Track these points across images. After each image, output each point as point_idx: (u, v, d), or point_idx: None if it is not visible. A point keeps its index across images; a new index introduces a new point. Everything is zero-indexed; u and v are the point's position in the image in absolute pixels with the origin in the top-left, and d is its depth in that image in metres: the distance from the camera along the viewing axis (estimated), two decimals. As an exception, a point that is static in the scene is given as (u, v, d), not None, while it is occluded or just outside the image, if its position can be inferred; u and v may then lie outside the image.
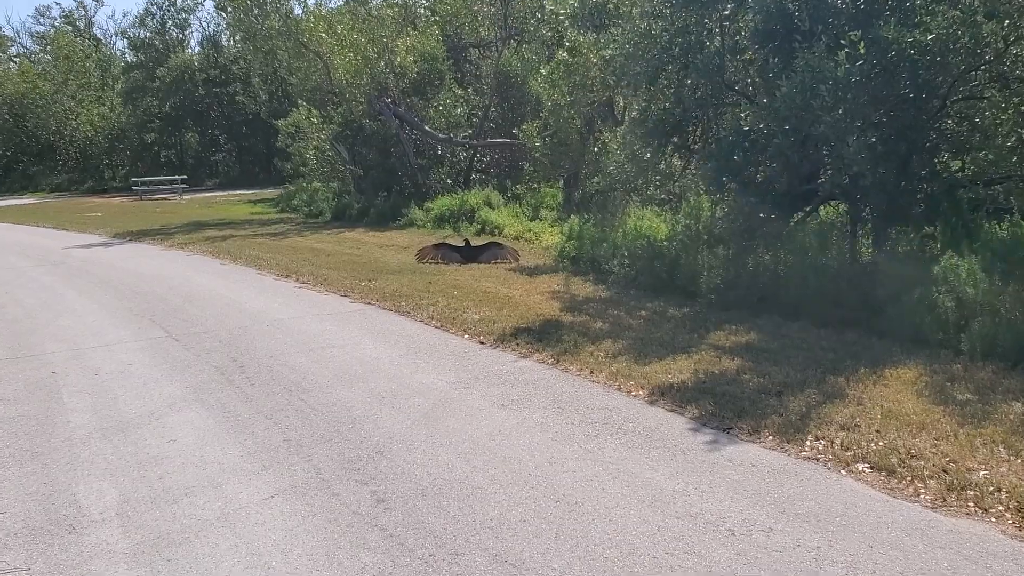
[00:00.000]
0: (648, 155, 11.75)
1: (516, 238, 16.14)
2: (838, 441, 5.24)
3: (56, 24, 55.40)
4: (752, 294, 9.33)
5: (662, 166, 12.15)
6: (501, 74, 22.69)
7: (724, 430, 5.59)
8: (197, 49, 47.50)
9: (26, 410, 6.64)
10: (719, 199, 10.35)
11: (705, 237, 10.35)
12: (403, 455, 5.37)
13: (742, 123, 9.42)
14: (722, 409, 5.89)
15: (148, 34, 46.15)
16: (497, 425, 5.85)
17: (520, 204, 19.93)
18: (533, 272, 12.50)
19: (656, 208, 13.23)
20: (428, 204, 20.20)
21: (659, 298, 10.04)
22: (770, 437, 5.41)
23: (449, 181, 22.67)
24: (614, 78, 12.14)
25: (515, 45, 23.98)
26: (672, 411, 6.01)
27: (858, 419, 5.59)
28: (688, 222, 10.97)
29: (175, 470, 5.30)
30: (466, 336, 8.61)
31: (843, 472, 4.87)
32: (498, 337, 8.39)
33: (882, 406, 5.82)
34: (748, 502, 4.51)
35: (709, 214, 11.23)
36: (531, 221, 17.72)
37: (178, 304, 10.86)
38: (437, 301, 10.23)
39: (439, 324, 9.18)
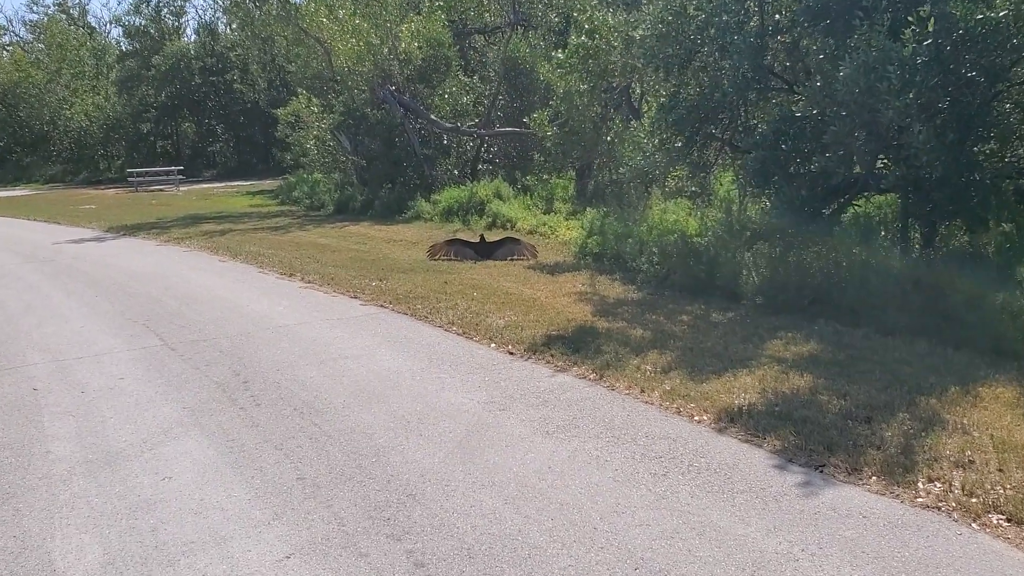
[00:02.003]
0: (679, 144, 10.91)
1: (530, 232, 15.28)
2: (957, 484, 4.42)
3: (50, 12, 54.25)
4: (802, 296, 8.52)
5: (694, 156, 11.31)
6: (509, 61, 21.80)
7: (816, 468, 4.76)
8: (193, 37, 46.57)
9: (0, 438, 5.81)
10: (762, 192, 9.49)
11: (748, 234, 9.51)
12: (439, 499, 4.54)
13: (794, 109, 8.59)
14: (807, 440, 5.07)
15: (143, 22, 45.08)
16: (545, 459, 5.02)
17: (531, 196, 19.07)
18: (554, 270, 11.66)
19: (686, 201, 12.37)
20: (435, 196, 19.32)
21: (697, 300, 9.21)
22: (873, 478, 4.59)
23: (456, 172, 21.81)
24: (642, 61, 11.27)
25: (522, 31, 23.09)
26: (747, 442, 5.18)
27: (970, 453, 4.77)
28: (726, 216, 10.15)
29: (171, 519, 4.47)
30: (492, 345, 7.78)
31: (974, 526, 4.05)
32: (529, 346, 7.56)
33: (992, 435, 5.01)
34: (873, 570, 3.68)
35: (750, 208, 10.41)
36: (545, 214, 16.83)
37: (174, 307, 10.01)
38: (456, 304, 9.40)
39: (461, 330, 8.35)
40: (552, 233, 15.02)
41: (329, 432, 5.63)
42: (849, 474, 4.64)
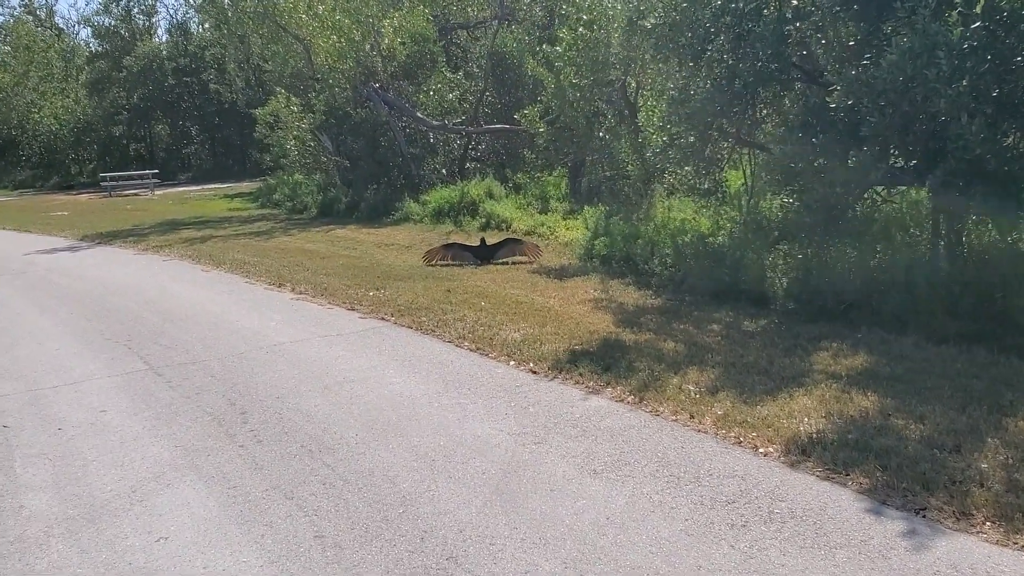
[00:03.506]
0: (692, 139, 10.29)
1: (528, 233, 14.59)
2: (1090, 530, 3.81)
3: (16, 13, 52.80)
4: (839, 301, 7.90)
5: (707, 152, 10.70)
6: (496, 56, 21.10)
7: (916, 512, 4.13)
8: (165, 37, 45.57)
9: (-33, 488, 5.09)
10: (789, 189, 8.87)
11: (775, 233, 8.90)
12: (486, 563, 3.87)
13: (828, 100, 7.97)
14: (897, 476, 4.43)
15: (113, 22, 44.01)
16: (600, 507, 4.36)
17: (524, 195, 18.40)
18: (560, 274, 11.00)
19: (688, 198, 11.78)
20: (424, 197, 18.59)
21: (723, 306, 8.59)
22: (987, 524, 3.96)
23: (444, 172, 21.09)
24: (651, 52, 10.63)
25: (507, 26, 22.40)
26: (828, 479, 4.54)
27: (1089, 489, 4.16)
28: (749, 215, 9.55)
29: (169, 595, 3.79)
30: (512, 363, 7.11)
31: None
32: (553, 364, 6.90)
33: (1104, 466, 4.40)
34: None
35: (764, 206, 9.81)
36: (541, 214, 16.16)
37: (157, 324, 9.27)
38: (464, 315, 8.73)
39: (474, 346, 7.67)
40: (551, 234, 14.37)
41: (345, 475, 4.95)
42: (957, 519, 4.01)
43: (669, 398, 5.87)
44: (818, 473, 4.61)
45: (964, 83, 6.79)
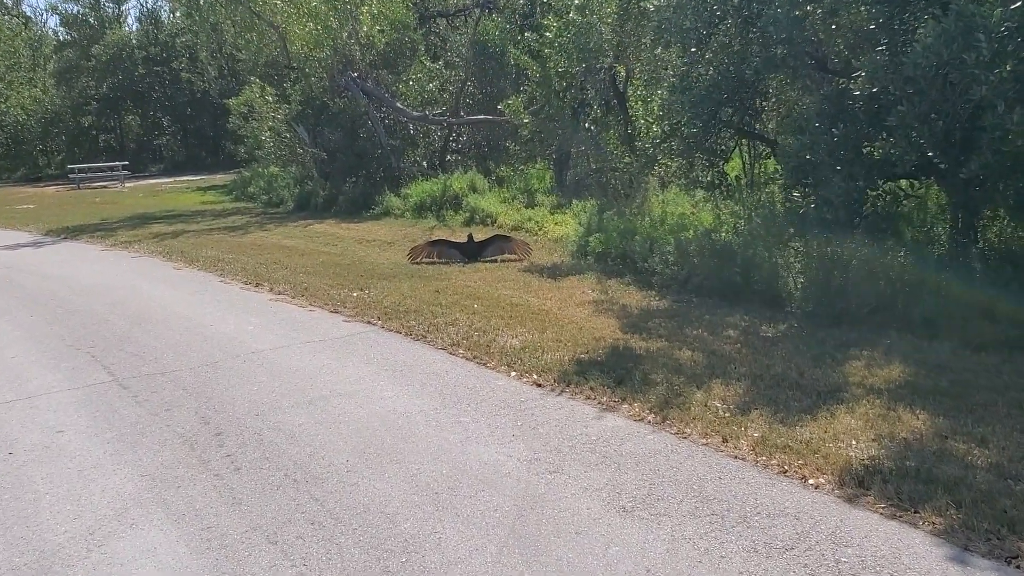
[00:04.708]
0: (696, 128, 9.72)
1: (515, 229, 13.96)
2: None
3: (-19, 2, 51.51)
4: (862, 304, 7.35)
5: (709, 143, 10.13)
6: (478, 44, 20.40)
7: (1007, 561, 3.55)
8: (135, 26, 44.44)
9: (-102, 530, 4.41)
10: (806, 183, 8.30)
11: (791, 230, 8.34)
12: (511, 629, 3.26)
13: (852, 87, 7.41)
14: (974, 515, 3.86)
15: (82, 10, 42.85)
16: (637, 556, 3.75)
17: (508, 188, 17.76)
18: (554, 273, 10.40)
19: (703, 192, 11.22)
20: (405, 191, 17.91)
21: (734, 309, 8.03)
22: (1094, 576, 3.40)
23: (424, 164, 20.40)
24: (652, 36, 10.05)
25: (488, 14, 21.72)
26: (894, 518, 3.96)
27: None
28: (750, 211, 8.99)
29: (131, 674, 3.14)
30: (513, 373, 6.50)
31: None
32: (559, 376, 6.29)
33: None
34: None
35: (786, 202, 9.24)
36: (528, 208, 15.52)
37: (124, 329, 8.57)
38: (456, 319, 8.10)
39: (470, 354, 7.05)
40: (540, 230, 13.75)
41: (336, 512, 4.31)
42: (1057, 571, 3.46)
43: (695, 417, 5.28)
44: (881, 510, 4.03)
45: (1007, 68, 6.24)
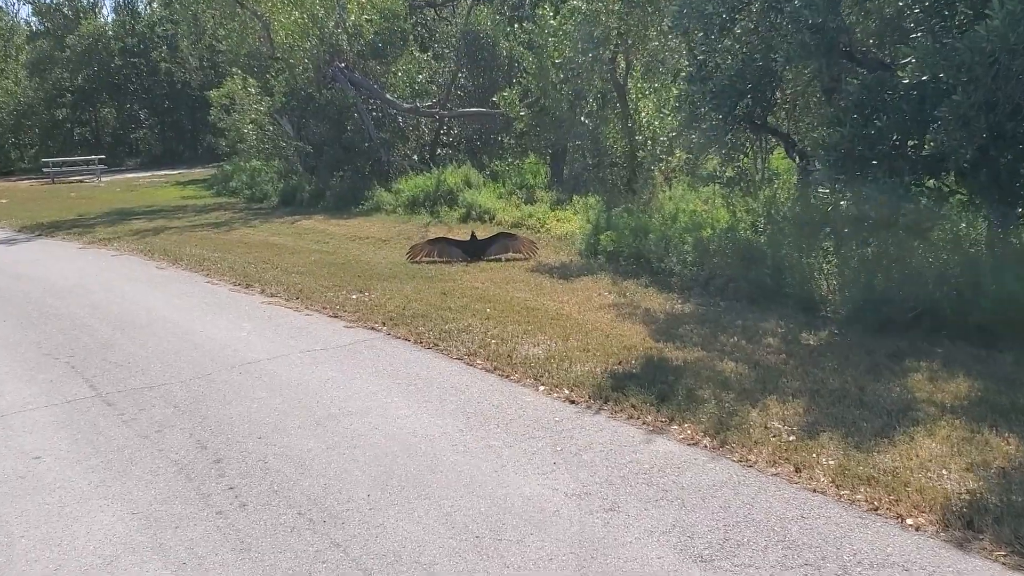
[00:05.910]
0: (715, 121, 9.15)
1: (515, 226, 13.31)
2: None
3: (-49, -10, 50.24)
4: (906, 308, 6.80)
5: (730, 136, 9.56)
6: (470, 35, 19.74)
7: None
8: (111, 16, 43.36)
9: None
10: (844, 178, 7.74)
11: (827, 229, 7.79)
12: None
13: (901, 75, 6.85)
14: (1118, 567, 3.32)
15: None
16: (729, 617, 3.18)
17: (503, 183, 17.11)
18: (564, 273, 9.80)
19: (722, 188, 10.67)
20: (397, 185, 17.22)
21: (766, 313, 7.47)
22: None
23: (415, 158, 19.73)
24: (669, 22, 9.47)
25: (477, 4, 21.09)
26: (1018, 568, 3.40)
27: None
28: (800, 207, 8.45)
29: None
30: (541, 388, 5.90)
31: None
32: (593, 391, 5.69)
33: None
34: None
35: (812, 198, 8.69)
36: (527, 204, 14.89)
37: (107, 335, 7.90)
38: (469, 324, 7.50)
39: (490, 365, 6.44)
40: (542, 227, 13.11)
41: (363, 561, 3.70)
42: None
43: (757, 442, 4.70)
44: (1002, 559, 3.46)
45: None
